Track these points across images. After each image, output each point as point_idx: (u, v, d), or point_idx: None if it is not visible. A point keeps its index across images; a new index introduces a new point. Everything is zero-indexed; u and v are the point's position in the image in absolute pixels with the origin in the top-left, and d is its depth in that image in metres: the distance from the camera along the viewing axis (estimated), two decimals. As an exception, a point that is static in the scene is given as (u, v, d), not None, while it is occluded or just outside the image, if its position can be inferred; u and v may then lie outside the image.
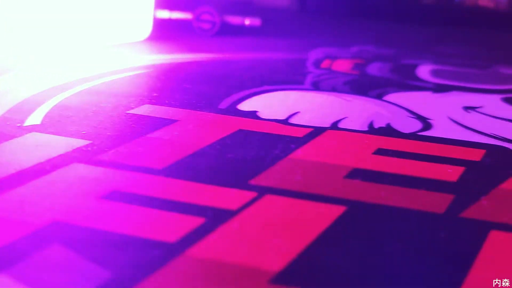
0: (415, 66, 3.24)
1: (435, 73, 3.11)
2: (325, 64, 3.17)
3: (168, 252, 1.23)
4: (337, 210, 1.46)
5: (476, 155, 1.90)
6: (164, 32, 3.81)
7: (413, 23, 4.97)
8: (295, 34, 4.23)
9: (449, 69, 3.27)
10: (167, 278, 1.13)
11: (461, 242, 1.37)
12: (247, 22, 3.98)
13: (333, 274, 1.20)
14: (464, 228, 1.42)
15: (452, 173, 1.73)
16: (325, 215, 1.43)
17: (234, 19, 3.97)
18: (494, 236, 1.39)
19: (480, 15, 5.18)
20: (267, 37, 4.00)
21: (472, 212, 1.50)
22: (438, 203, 1.54)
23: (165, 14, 3.96)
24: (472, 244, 1.35)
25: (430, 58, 3.53)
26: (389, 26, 4.92)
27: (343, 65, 3.17)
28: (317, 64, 3.15)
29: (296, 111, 2.22)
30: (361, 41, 4.01)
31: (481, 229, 1.42)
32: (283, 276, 1.18)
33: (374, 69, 3.12)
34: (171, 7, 3.95)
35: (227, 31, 3.95)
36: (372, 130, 2.07)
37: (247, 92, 2.45)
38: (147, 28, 3.65)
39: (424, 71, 3.12)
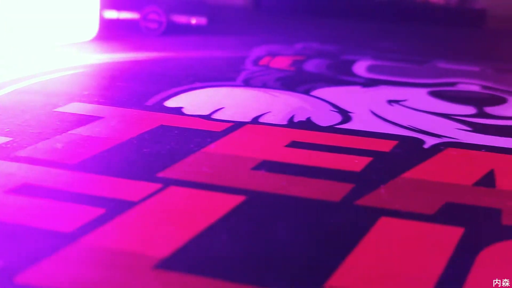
0: (353, 62, 3.29)
1: (371, 68, 3.17)
2: (264, 61, 3.22)
3: (62, 241, 1.27)
4: (235, 200, 1.50)
5: (387, 146, 1.95)
6: (112, 32, 3.84)
7: (366, 20, 5.04)
8: (244, 32, 4.28)
9: (386, 64, 3.33)
10: (54, 265, 1.18)
11: (351, 228, 1.42)
12: (193, 21, 4.03)
13: (217, 261, 1.25)
14: (356, 215, 1.48)
15: (358, 164, 1.78)
16: (222, 205, 1.48)
17: (180, 18, 4.02)
18: (383, 222, 1.44)
19: (431, 11, 5.27)
20: (214, 35, 4.06)
21: (368, 200, 1.55)
22: (337, 192, 1.59)
23: (113, 14, 3.99)
24: (361, 229, 1.39)
25: (371, 54, 3.59)
26: (340, 23, 4.98)
27: (282, 62, 3.23)
28: (256, 61, 3.19)
29: (221, 107, 2.27)
30: (309, 38, 4.06)
31: (373, 215, 1.46)
32: (167, 262, 1.22)
33: (311, 65, 3.18)
34: (119, 7, 3.98)
35: (174, 30, 3.98)
36: (291, 124, 2.12)
37: (177, 89, 2.49)
38: (94, 28, 3.68)
39: (360, 67, 3.18)
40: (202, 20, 4.04)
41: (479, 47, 4.41)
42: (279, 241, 1.34)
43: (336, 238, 1.38)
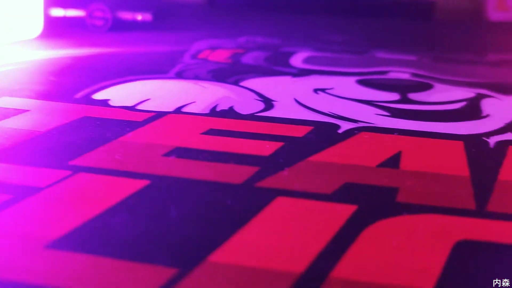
0: (292, 54, 3.34)
1: (308, 60, 3.22)
2: (204, 54, 3.27)
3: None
4: (139, 184, 1.56)
5: (301, 131, 2.00)
6: (59, 30, 3.88)
7: (318, 14, 5.10)
8: (190, 28, 4.32)
9: (325, 56, 3.39)
10: None
11: (245, 208, 1.48)
12: (139, 17, 4.07)
13: (110, 241, 1.32)
14: (253, 196, 1.53)
15: (268, 148, 1.83)
16: (124, 189, 1.53)
17: (126, 15, 4.06)
18: (278, 201, 1.49)
19: (382, 5, 5.34)
20: (160, 31, 4.09)
21: (269, 181, 1.61)
22: (240, 175, 1.64)
23: (59, 12, 4.02)
24: (255, 209, 1.45)
25: (313, 46, 3.64)
26: (292, 18, 5.03)
27: (220, 55, 3.28)
28: (195, 55, 3.24)
29: (147, 98, 2.31)
30: (257, 33, 4.10)
31: (270, 196, 1.52)
32: (60, 242, 1.28)
33: (249, 58, 3.23)
34: (65, 5, 4.02)
35: (121, 27, 4.02)
36: (213, 113, 2.17)
37: (108, 83, 2.54)
38: (38, 26, 3.71)
39: (298, 59, 3.24)
40: (148, 16, 4.07)
41: (423, 38, 4.48)
42: (172, 221, 1.40)
43: (229, 217, 1.43)
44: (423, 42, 4.22)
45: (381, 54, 3.51)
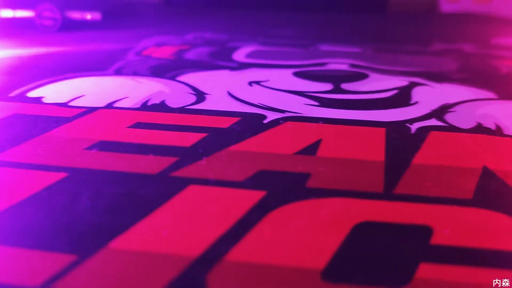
0: (236, 49, 3.38)
1: (251, 54, 3.26)
2: (148, 51, 3.29)
3: None
4: (56, 177, 1.59)
5: (227, 122, 2.04)
6: (7, 31, 3.89)
7: (273, 10, 5.14)
8: (141, 26, 4.34)
9: (269, 50, 3.42)
10: None
11: (157, 196, 1.52)
12: (88, 16, 4.09)
13: (17, 231, 1.35)
14: (166, 186, 1.56)
15: (191, 139, 1.87)
16: (42, 181, 1.56)
17: (75, 14, 4.08)
18: (189, 190, 1.53)
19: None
20: (110, 30, 4.12)
21: (184, 171, 1.65)
22: (157, 165, 1.68)
23: (9, 13, 4.04)
24: (166, 197, 1.49)
25: (260, 41, 3.68)
26: (245, 14, 5.06)
27: (165, 52, 3.31)
28: (140, 52, 3.27)
29: (81, 94, 2.33)
30: (207, 29, 4.13)
31: (182, 185, 1.56)
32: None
33: (193, 54, 3.26)
34: (14, 6, 4.03)
35: (70, 26, 4.04)
36: (144, 107, 2.20)
37: (45, 80, 2.56)
38: (-14, 28, 3.73)
39: (241, 53, 3.28)
40: (97, 16, 4.10)
41: (373, 31, 4.53)
42: (81, 212, 1.43)
43: (138, 206, 1.46)
44: (372, 35, 4.27)
45: (326, 47, 3.55)
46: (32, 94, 2.38)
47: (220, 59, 3.12)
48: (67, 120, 2.05)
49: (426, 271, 1.22)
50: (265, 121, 2.07)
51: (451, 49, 3.60)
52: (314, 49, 3.50)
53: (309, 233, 1.35)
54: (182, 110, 2.19)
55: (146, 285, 1.16)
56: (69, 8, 4.10)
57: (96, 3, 4.12)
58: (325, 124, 2.06)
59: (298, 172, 1.67)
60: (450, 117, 2.15)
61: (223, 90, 2.45)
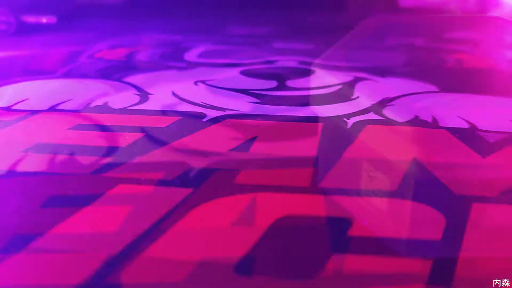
0: (189, 49, 3.40)
1: (204, 54, 3.28)
2: (101, 53, 3.30)
3: None
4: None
5: (166, 122, 2.06)
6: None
7: (232, 8, 5.15)
8: (97, 28, 4.35)
9: (222, 49, 3.45)
10: None
11: (84, 197, 1.55)
12: (43, 20, 4.10)
13: None
14: (95, 186, 1.59)
15: (127, 140, 1.89)
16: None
17: (30, 18, 4.08)
18: (116, 189, 1.56)
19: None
20: (66, 32, 4.12)
21: (115, 171, 1.67)
22: (90, 166, 1.71)
23: (-37, 18, 4.04)
24: (93, 197, 1.51)
25: (215, 40, 3.70)
26: (205, 13, 5.07)
27: (118, 54, 3.32)
28: (92, 54, 3.28)
29: (25, 98, 2.35)
30: (165, 30, 4.15)
31: (110, 185, 1.58)
32: None
33: (145, 55, 3.28)
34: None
35: (26, 30, 4.05)
36: (87, 109, 2.22)
37: (-9, 85, 2.58)
38: None
39: (194, 53, 3.30)
40: (53, 19, 4.10)
41: (330, 28, 4.56)
42: (6, 211, 1.45)
43: (63, 207, 1.48)
44: (327, 31, 4.30)
45: (279, 45, 3.58)
46: (-24, 99, 2.38)
47: (171, 60, 3.14)
48: (6, 123, 2.06)
49: (340, 261, 1.25)
50: (204, 120, 2.08)
51: (403, 44, 3.63)
52: (267, 48, 3.52)
53: (228, 228, 1.37)
54: (124, 110, 2.20)
55: (61, 284, 1.18)
56: (24, 11, 4.09)
57: (53, 6, 4.12)
58: (263, 121, 2.07)
59: (229, 169, 1.69)
60: (388, 111, 2.18)
61: (167, 90, 2.47)
